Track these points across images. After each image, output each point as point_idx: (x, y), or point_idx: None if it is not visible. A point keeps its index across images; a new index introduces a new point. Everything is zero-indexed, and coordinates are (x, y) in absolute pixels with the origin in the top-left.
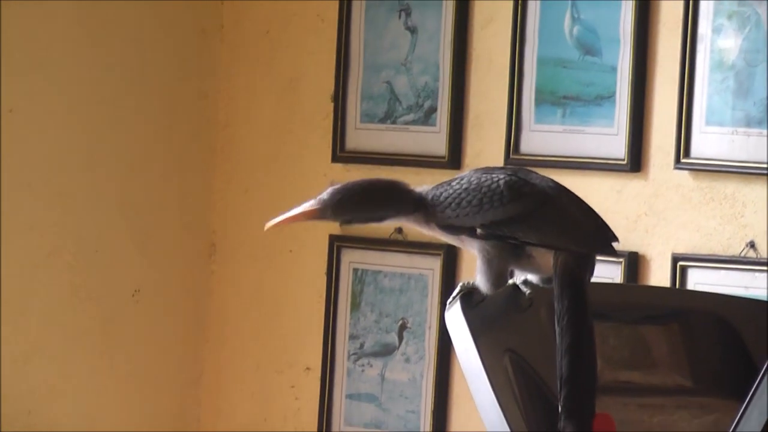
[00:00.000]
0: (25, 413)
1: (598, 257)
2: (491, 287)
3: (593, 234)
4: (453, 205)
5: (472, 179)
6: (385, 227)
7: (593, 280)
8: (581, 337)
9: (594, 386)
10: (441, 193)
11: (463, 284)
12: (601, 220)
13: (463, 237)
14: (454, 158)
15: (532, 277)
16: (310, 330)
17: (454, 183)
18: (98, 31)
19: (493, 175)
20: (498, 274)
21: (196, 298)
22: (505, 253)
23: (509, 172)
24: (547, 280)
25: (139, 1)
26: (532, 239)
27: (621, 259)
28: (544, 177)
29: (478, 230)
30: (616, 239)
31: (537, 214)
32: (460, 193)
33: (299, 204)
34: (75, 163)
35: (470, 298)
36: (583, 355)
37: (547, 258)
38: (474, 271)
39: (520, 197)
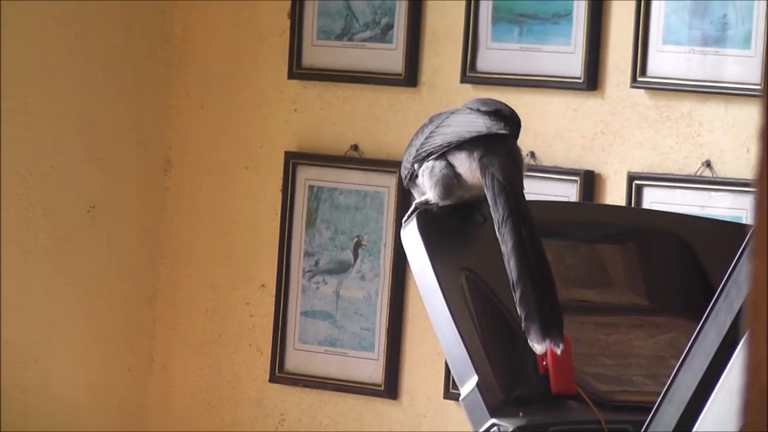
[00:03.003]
0: None
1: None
2: (440, 192)
3: (489, 119)
4: (403, 161)
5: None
6: (340, 144)
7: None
8: (522, 237)
9: (550, 282)
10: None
11: (418, 202)
12: (499, 104)
13: (413, 186)
14: (411, 76)
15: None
16: (265, 247)
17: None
18: None
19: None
20: (440, 179)
21: (152, 214)
22: (437, 164)
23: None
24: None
25: None
26: (439, 143)
27: (577, 178)
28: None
29: (415, 165)
30: (516, 118)
31: (442, 125)
32: (405, 151)
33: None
34: (30, 76)
35: (426, 216)
36: (529, 253)
37: (468, 167)
38: None
39: (432, 121)
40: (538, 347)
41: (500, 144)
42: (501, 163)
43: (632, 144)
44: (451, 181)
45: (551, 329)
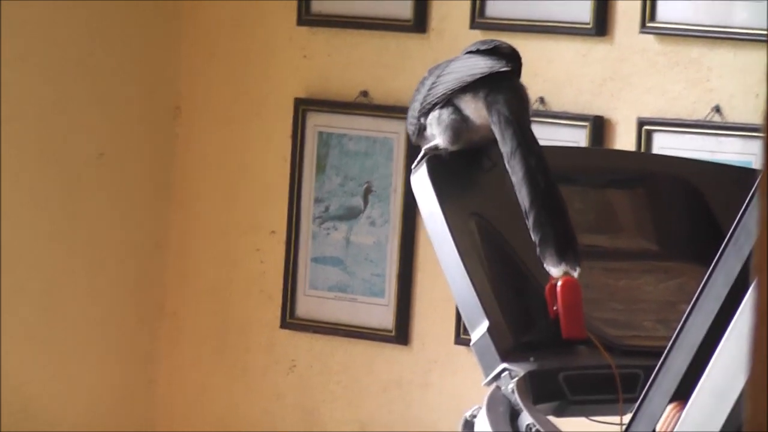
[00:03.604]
0: None
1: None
2: (449, 137)
3: (490, 59)
4: (408, 117)
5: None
6: (350, 90)
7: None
8: (531, 167)
9: (562, 207)
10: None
11: (428, 147)
12: (501, 43)
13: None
14: (420, 21)
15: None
16: (275, 193)
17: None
18: None
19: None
20: (449, 125)
21: (161, 161)
22: (444, 111)
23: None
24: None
25: None
26: (442, 90)
27: (586, 124)
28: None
29: (420, 119)
30: (515, 54)
31: (444, 72)
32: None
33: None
34: (36, 23)
35: (436, 162)
36: (539, 181)
37: (475, 109)
38: None
39: (432, 72)
40: (554, 270)
41: (504, 81)
42: (506, 99)
43: (641, 90)
44: (459, 125)
45: (567, 252)
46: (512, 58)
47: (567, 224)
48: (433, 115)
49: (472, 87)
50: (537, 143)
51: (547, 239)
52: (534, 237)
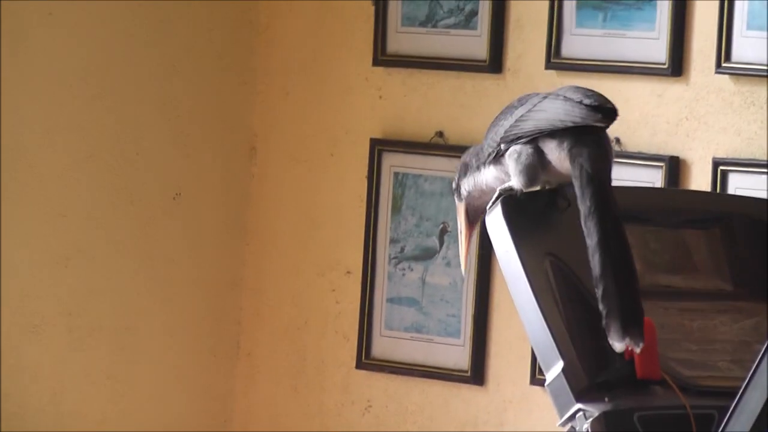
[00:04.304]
0: (65, 315)
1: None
2: (524, 180)
3: (586, 110)
4: (488, 139)
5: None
6: (425, 130)
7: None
8: (608, 232)
9: (633, 280)
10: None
11: (502, 188)
12: (595, 94)
13: (497, 165)
14: (495, 62)
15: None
16: (350, 233)
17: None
18: None
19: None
20: (526, 166)
21: (237, 201)
22: (524, 149)
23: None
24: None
25: None
26: (530, 128)
27: (662, 164)
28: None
29: (502, 145)
30: (608, 107)
31: (534, 109)
32: (489, 128)
33: None
34: (115, 62)
35: (511, 202)
36: (613, 249)
37: (558, 155)
38: None
39: (528, 100)
40: (617, 345)
41: (591, 134)
42: (591, 155)
43: (717, 129)
44: (536, 172)
45: (631, 328)
46: (610, 114)
47: (635, 298)
48: (514, 150)
49: (559, 133)
50: (615, 204)
51: (613, 314)
52: (601, 308)
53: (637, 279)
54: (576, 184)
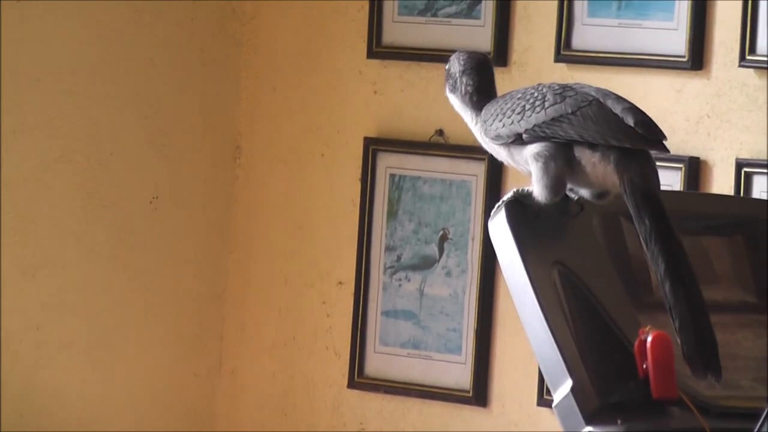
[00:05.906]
0: (33, 329)
1: (657, 163)
2: (549, 193)
3: (636, 129)
4: (499, 116)
5: (519, 92)
6: (424, 128)
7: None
8: (676, 257)
9: (705, 307)
10: (491, 107)
11: (517, 190)
12: (647, 116)
13: (512, 148)
14: (500, 54)
15: (585, 193)
16: (342, 241)
17: (505, 96)
18: None
19: (539, 86)
20: (555, 178)
21: (220, 205)
22: (558, 156)
23: (555, 84)
24: (598, 196)
25: None
26: (572, 135)
27: (681, 165)
28: (590, 86)
29: (524, 135)
30: (663, 136)
31: (578, 113)
32: (506, 103)
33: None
34: (87, 55)
35: (517, 206)
36: (684, 277)
37: (598, 168)
38: (520, 177)
39: (564, 99)
40: (699, 381)
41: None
42: (642, 172)
43: (740, 128)
44: (564, 186)
45: (711, 362)
46: (660, 134)
47: (709, 327)
48: (542, 152)
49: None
50: (674, 228)
51: (694, 347)
52: (680, 341)
53: (706, 306)
54: (629, 202)
